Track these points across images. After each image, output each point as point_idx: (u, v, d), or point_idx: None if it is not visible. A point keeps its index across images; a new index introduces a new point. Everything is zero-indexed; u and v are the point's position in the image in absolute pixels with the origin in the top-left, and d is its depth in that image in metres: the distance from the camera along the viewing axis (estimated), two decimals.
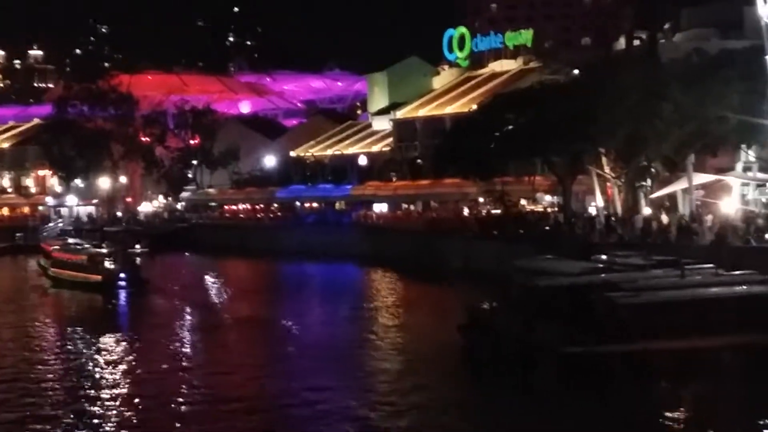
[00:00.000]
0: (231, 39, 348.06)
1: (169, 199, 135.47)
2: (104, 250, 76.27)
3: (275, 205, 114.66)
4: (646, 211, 67.09)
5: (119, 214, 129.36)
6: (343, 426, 32.59)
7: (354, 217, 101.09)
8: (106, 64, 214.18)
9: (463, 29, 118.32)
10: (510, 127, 74.12)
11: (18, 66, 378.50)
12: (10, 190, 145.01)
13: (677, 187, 65.44)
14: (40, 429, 33.05)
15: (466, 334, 43.49)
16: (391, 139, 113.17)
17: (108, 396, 37.81)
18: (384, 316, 57.06)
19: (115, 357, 46.64)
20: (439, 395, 36.45)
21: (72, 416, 34.71)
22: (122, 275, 71.58)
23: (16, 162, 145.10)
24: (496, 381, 38.26)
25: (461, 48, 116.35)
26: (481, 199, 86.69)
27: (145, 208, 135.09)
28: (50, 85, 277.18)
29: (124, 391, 38.96)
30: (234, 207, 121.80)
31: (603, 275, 41.78)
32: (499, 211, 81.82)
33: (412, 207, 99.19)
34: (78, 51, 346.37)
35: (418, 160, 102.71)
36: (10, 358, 45.83)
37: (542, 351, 37.31)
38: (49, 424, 33.51)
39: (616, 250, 50.99)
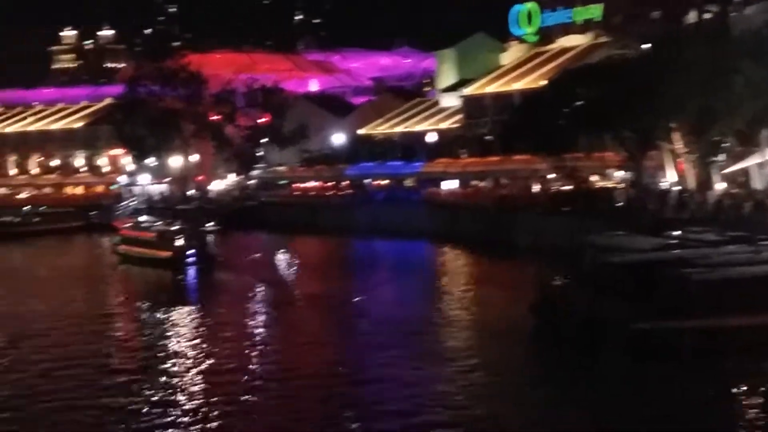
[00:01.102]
0: (299, 17, 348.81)
1: (240, 177, 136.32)
2: (173, 228, 77.06)
3: (344, 182, 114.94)
4: (719, 186, 66.35)
5: (191, 192, 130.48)
6: (414, 401, 32.78)
7: (423, 195, 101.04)
8: (176, 44, 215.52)
9: (531, 4, 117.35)
10: (580, 102, 73.54)
11: (90, 46, 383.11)
12: (84, 169, 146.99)
13: (751, 161, 64.62)
14: (113, 400, 33.63)
15: (538, 310, 43.44)
16: (460, 116, 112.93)
17: (178, 369, 38.44)
18: (454, 293, 57.20)
19: (184, 330, 47.39)
20: (510, 371, 36.55)
21: (144, 387, 35.35)
22: (191, 252, 72.32)
23: (89, 141, 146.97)
24: (568, 357, 38.22)
25: (529, 23, 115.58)
26: (551, 175, 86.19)
27: (216, 186, 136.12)
28: (121, 65, 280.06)
29: (195, 364, 39.54)
30: (303, 185, 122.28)
31: (675, 251, 41.48)
32: (569, 187, 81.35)
33: (481, 184, 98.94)
34: (148, 31, 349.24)
35: (488, 137, 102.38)
36: (82, 333, 46.58)
37: (613, 327, 37.16)
38: (122, 395, 34.12)
39: (689, 226, 50.54)
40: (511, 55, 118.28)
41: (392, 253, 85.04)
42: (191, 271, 69.84)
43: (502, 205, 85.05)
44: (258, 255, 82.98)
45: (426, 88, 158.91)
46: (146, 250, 75.05)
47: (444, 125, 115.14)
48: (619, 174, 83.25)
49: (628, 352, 36.02)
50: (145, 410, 32.44)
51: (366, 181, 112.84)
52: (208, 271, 69.42)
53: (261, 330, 47.49)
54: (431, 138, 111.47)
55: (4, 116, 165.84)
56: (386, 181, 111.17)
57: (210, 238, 79.81)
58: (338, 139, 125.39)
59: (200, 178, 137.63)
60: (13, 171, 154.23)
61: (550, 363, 38.99)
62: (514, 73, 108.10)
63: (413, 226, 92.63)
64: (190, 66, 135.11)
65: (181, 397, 34.20)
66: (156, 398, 34.00)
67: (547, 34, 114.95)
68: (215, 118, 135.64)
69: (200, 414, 31.99)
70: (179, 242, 73.34)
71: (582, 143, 78.05)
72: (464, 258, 75.86)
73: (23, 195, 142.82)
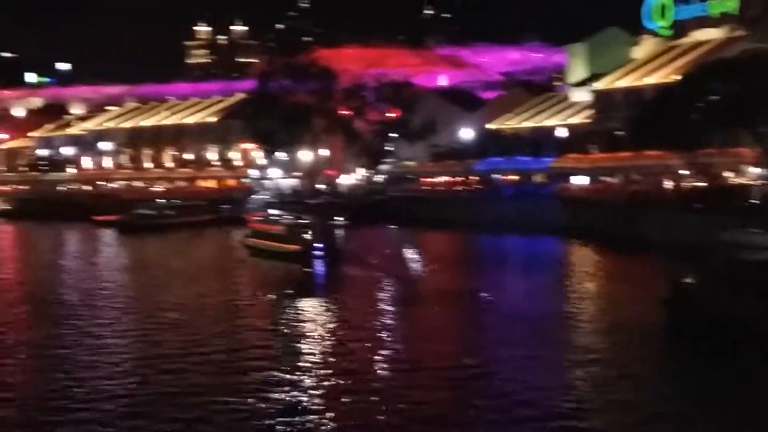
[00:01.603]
0: (429, 11, 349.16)
1: (369, 172, 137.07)
2: (301, 221, 77.77)
3: (473, 177, 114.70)
4: None
5: (320, 186, 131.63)
6: (541, 392, 32.58)
7: (553, 190, 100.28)
8: (308, 39, 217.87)
9: None
10: (714, 97, 72.01)
11: (222, 42, 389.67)
12: (216, 163, 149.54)
13: None
14: (247, 387, 34.13)
15: (670, 308, 42.74)
16: (590, 111, 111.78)
17: (308, 358, 38.82)
18: (584, 289, 56.64)
19: (312, 322, 47.82)
20: (638, 366, 36.05)
21: (275, 374, 35.83)
22: (318, 246, 72.88)
23: (221, 135, 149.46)
24: (701, 355, 37.51)
25: (663, 17, 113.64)
26: (683, 172, 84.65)
27: (345, 180, 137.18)
28: (253, 60, 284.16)
29: (324, 354, 39.92)
30: (432, 179, 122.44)
31: None
32: (702, 184, 79.80)
33: (611, 179, 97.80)
34: (280, 26, 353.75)
35: (619, 132, 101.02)
36: (215, 323, 47.35)
37: (747, 326, 36.37)
38: (255, 382, 34.60)
39: None
40: (643, 49, 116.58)
41: (520, 249, 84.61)
42: (319, 265, 70.39)
43: (632, 201, 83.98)
44: (386, 250, 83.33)
45: (556, 83, 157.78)
46: (275, 244, 75.90)
47: (574, 120, 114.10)
48: (755, 170, 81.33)
49: (762, 352, 35.21)
50: (276, 396, 32.88)
51: (494, 176, 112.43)
52: (335, 265, 69.89)
53: (388, 323, 47.62)
54: (561, 133, 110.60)
55: (139, 111, 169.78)
56: (515, 177, 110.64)
57: (338, 232, 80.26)
58: (467, 134, 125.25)
59: (330, 172, 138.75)
60: (148, 164, 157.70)
61: (680, 360, 38.36)
62: (647, 68, 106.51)
63: (542, 222, 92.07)
64: (320, 61, 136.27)
65: (310, 383, 34.60)
66: (287, 384, 34.45)
67: (680, 28, 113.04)
68: (345, 112, 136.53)
69: (330, 400, 32.32)
70: (307, 236, 73.98)
71: (716, 139, 76.43)
72: (593, 254, 75.07)
73: (157, 188, 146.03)
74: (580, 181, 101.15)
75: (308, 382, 34.97)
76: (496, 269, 68.52)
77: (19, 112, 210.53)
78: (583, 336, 42.52)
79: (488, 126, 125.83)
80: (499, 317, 47.44)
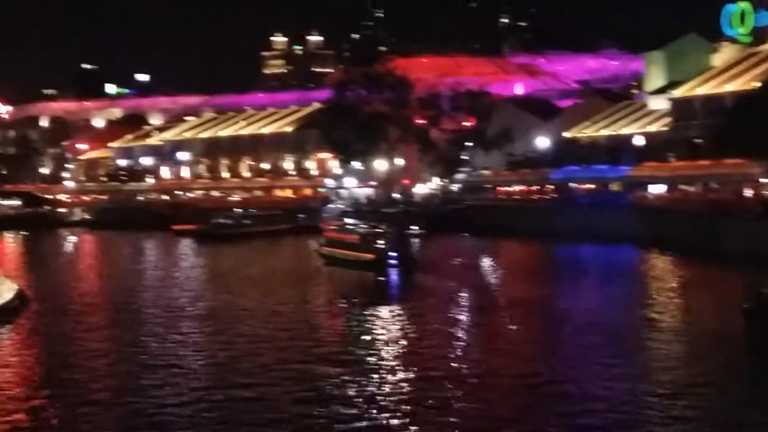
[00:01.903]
0: (504, 20, 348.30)
1: (445, 180, 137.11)
2: (375, 230, 77.95)
3: (549, 186, 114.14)
4: None
5: (396, 195, 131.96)
6: (618, 399, 32.30)
7: (630, 199, 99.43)
8: (383, 48, 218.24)
9: (743, 4, 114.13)
10: None
11: (298, 52, 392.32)
12: (292, 172, 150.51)
13: None
14: (321, 389, 34.34)
15: (750, 317, 42.09)
16: (668, 119, 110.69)
17: (382, 364, 38.92)
18: (662, 298, 55.95)
19: (386, 330, 47.89)
20: (720, 377, 35.53)
21: (350, 381, 36.00)
22: (393, 254, 72.95)
23: (297, 145, 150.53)
24: None
25: (742, 23, 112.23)
26: (764, 180, 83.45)
27: (421, 189, 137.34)
28: (329, 70, 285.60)
29: (398, 360, 39.91)
30: (508, 188, 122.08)
31: None
32: None
33: (690, 188, 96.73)
34: (356, 36, 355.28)
35: (697, 140, 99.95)
36: (291, 330, 47.60)
37: None
38: (329, 386, 34.75)
39: None
40: (722, 56, 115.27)
41: (597, 258, 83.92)
42: (393, 274, 70.46)
43: (712, 209, 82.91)
44: (461, 259, 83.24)
45: (633, 91, 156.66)
46: (349, 252, 76.13)
47: (652, 128, 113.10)
48: None
49: None
50: (353, 402, 33.05)
51: (571, 184, 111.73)
52: (410, 274, 69.90)
53: (463, 331, 47.48)
54: (638, 141, 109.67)
55: (217, 121, 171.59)
56: (591, 185, 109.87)
57: (414, 241, 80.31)
58: (543, 142, 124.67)
59: (405, 181, 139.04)
60: (225, 174, 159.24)
61: (760, 369, 37.76)
62: (726, 75, 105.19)
63: (619, 231, 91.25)
64: (396, 70, 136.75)
65: (386, 389, 34.68)
66: (362, 390, 34.57)
67: (760, 35, 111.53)
68: (421, 122, 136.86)
69: (405, 406, 32.38)
70: (382, 245, 74.13)
71: None
72: (671, 263, 74.25)
73: (235, 197, 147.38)
74: (657, 189, 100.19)
75: (383, 388, 35.01)
76: (573, 278, 68.04)
77: (99, 123, 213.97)
78: (660, 345, 41.99)
79: (565, 134, 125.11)
80: (575, 326, 47.06)
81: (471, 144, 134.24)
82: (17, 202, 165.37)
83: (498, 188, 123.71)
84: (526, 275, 71.24)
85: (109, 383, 37.16)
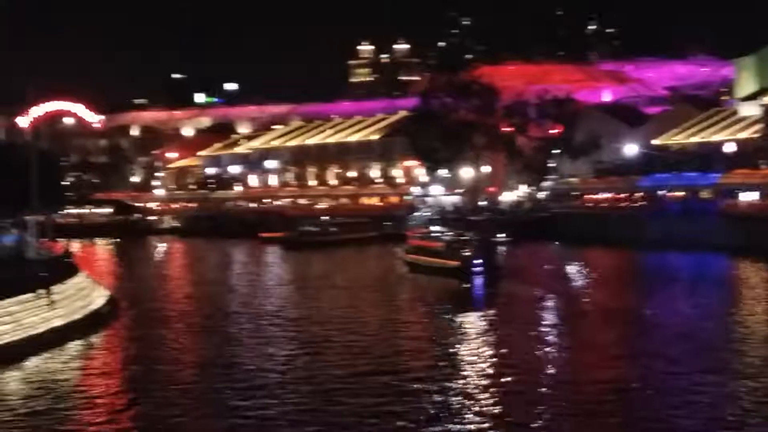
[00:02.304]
0: (591, 27, 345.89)
1: (531, 188, 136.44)
2: (460, 238, 77.92)
3: (637, 194, 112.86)
4: None
5: (482, 203, 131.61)
6: (709, 411, 31.85)
7: (721, 207, 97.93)
8: (469, 56, 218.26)
9: None
10: None
11: (385, 60, 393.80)
12: (378, 180, 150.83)
13: None
14: (413, 399, 34.38)
15: None
16: (760, 126, 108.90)
17: (471, 370, 38.95)
18: (754, 308, 54.95)
19: (474, 336, 47.95)
20: None
21: (440, 386, 35.97)
22: (477, 261, 72.83)
23: (384, 153, 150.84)
24: None
25: None
26: None
27: (508, 197, 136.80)
28: (415, 78, 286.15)
29: (486, 367, 39.91)
30: (595, 196, 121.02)
31: None
32: None
33: None
34: (442, 44, 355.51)
35: None
36: (378, 335, 47.65)
37: None
38: (420, 394, 34.73)
39: None
40: None
41: (687, 267, 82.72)
42: (478, 281, 70.30)
43: None
44: (548, 266, 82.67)
45: (724, 97, 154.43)
46: (434, 260, 76.22)
47: (743, 135, 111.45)
48: None
49: None
50: (443, 406, 33.13)
51: (660, 192, 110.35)
52: (495, 281, 69.66)
53: (549, 338, 47.08)
54: (729, 148, 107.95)
55: (304, 129, 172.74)
56: (681, 193, 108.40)
57: (500, 248, 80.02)
58: (631, 149, 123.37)
59: (491, 189, 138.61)
60: (312, 182, 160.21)
61: None
62: None
63: (709, 239, 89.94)
64: (483, 78, 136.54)
65: (479, 396, 34.71)
66: (453, 395, 34.73)
67: None
68: (507, 129, 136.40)
69: (495, 412, 32.43)
70: (466, 252, 74.04)
71: None
72: (764, 272, 72.86)
73: (321, 205, 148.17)
74: (749, 197, 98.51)
75: (475, 395, 34.96)
76: (662, 287, 67.08)
77: (188, 131, 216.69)
78: (752, 354, 41.24)
79: (654, 141, 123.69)
80: (663, 334, 46.43)
81: (558, 151, 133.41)
82: (108, 210, 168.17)
83: (585, 196, 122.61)
84: (615, 283, 70.57)
85: (198, 388, 37.56)
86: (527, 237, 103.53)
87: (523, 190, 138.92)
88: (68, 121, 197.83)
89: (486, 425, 31.22)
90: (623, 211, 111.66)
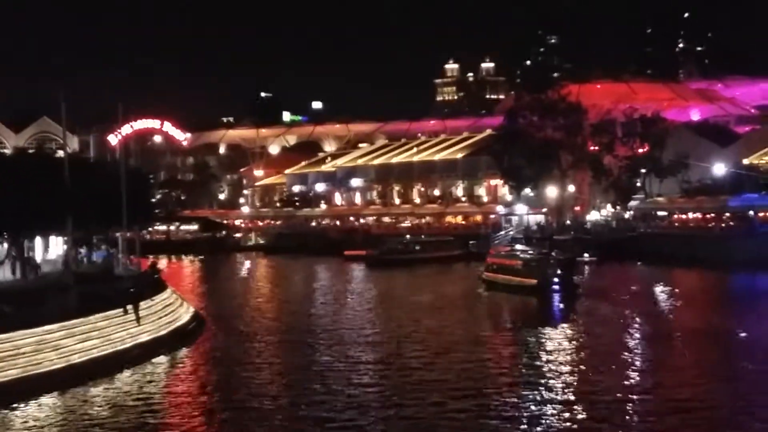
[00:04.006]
0: (681, 45, 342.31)
1: (618, 207, 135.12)
2: (539, 256, 77.84)
3: (727, 214, 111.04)
4: None
5: (567, 222, 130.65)
6: None
7: None
8: (556, 74, 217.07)
9: None
10: None
11: (471, 79, 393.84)
12: (463, 198, 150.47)
13: None
14: (478, 405, 34.35)
15: None
16: None
17: (553, 385, 38.85)
18: None
19: (554, 353, 47.82)
20: None
21: (523, 402, 36.06)
22: (555, 280, 72.68)
23: (469, 171, 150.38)
24: None
25: None
26: None
27: (593, 216, 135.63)
28: (501, 97, 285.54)
29: (567, 383, 39.89)
30: (683, 216, 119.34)
31: None
32: None
33: None
34: (528, 62, 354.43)
35: None
36: (459, 352, 47.49)
37: None
38: (495, 405, 34.57)
39: None
40: None
41: None
42: (556, 299, 70.03)
43: None
44: (633, 286, 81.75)
45: None
46: (512, 278, 76.20)
47: None
48: None
49: None
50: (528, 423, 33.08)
51: (750, 213, 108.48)
52: (572, 300, 69.32)
53: (633, 358, 46.50)
54: None
55: (389, 147, 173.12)
56: None
57: (582, 267, 79.49)
58: (720, 169, 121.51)
59: (577, 208, 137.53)
60: (396, 200, 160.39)
61: None
62: None
63: None
64: (569, 96, 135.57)
65: (551, 409, 34.77)
66: (533, 411, 34.85)
67: None
68: (594, 148, 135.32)
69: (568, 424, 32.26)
70: (545, 270, 73.85)
71: None
72: None
73: (405, 223, 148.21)
74: None
75: (550, 405, 34.81)
76: (752, 308, 65.90)
77: (274, 149, 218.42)
78: None
79: (744, 161, 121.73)
80: (754, 356, 45.53)
81: (645, 171, 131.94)
82: (194, 227, 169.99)
83: (674, 216, 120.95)
84: (702, 304, 69.49)
85: (280, 405, 37.77)
86: (612, 257, 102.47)
87: (609, 209, 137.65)
88: (157, 138, 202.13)
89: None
90: (712, 231, 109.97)
